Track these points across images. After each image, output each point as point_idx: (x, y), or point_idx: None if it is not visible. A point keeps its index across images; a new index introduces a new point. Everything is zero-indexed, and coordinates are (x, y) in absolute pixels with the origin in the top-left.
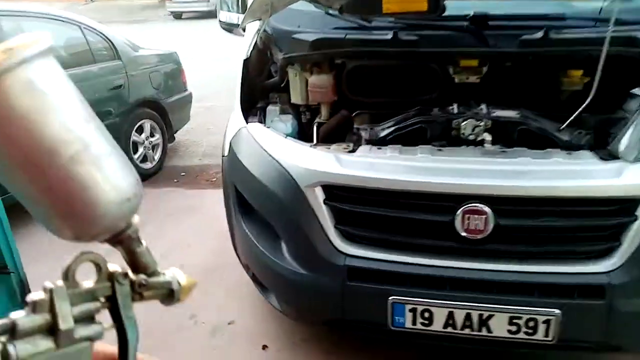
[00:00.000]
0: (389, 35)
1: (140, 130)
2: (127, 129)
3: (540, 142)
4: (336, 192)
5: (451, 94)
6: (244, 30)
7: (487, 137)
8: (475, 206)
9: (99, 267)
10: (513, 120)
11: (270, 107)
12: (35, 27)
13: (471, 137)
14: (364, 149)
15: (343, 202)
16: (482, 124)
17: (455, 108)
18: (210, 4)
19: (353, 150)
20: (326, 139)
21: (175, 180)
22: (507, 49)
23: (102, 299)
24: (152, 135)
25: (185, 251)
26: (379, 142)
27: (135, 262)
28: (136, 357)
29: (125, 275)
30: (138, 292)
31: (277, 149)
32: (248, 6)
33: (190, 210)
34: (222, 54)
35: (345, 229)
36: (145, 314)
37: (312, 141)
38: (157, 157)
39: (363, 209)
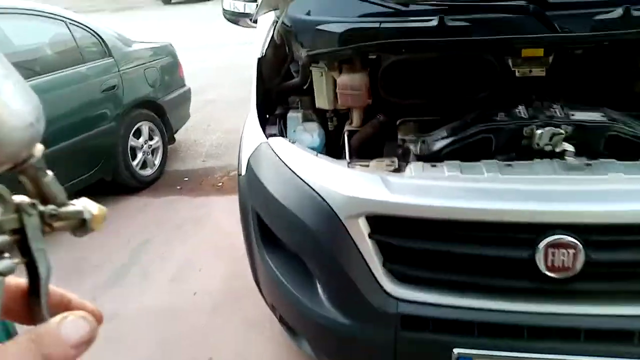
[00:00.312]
0: (434, 22)
1: (137, 133)
2: (125, 133)
3: (621, 149)
4: (385, 224)
5: (511, 92)
6: (254, 22)
7: (569, 147)
8: (561, 238)
9: (4, 198)
10: (601, 125)
11: (291, 114)
12: (14, 25)
13: (547, 148)
14: (415, 167)
15: (393, 236)
16: (562, 130)
17: (522, 110)
18: None
19: (399, 169)
20: (360, 151)
21: (178, 187)
22: (578, 32)
23: (10, 233)
24: (150, 138)
25: (197, 275)
26: (432, 158)
27: (43, 192)
28: (48, 291)
29: (34, 205)
30: (48, 223)
31: (307, 169)
32: None
33: (198, 223)
34: (217, 40)
35: (397, 269)
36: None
37: (341, 153)
38: (157, 161)
39: (418, 243)
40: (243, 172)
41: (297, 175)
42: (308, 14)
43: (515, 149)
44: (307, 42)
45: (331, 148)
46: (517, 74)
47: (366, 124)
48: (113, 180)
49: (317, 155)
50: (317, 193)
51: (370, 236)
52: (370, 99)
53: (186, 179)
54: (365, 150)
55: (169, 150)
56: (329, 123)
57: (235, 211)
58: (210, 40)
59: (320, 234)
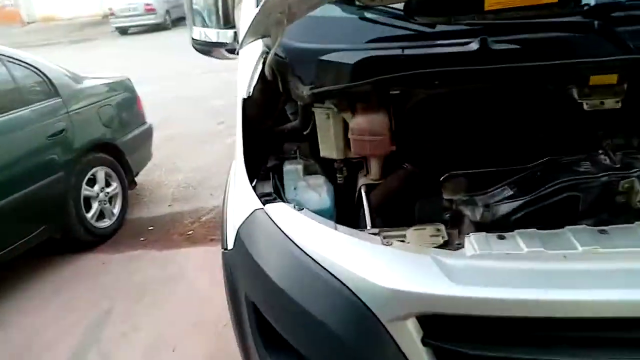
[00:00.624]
0: (474, 45)
1: (92, 181)
2: (76, 183)
3: None
4: (444, 324)
5: (574, 130)
6: (232, 52)
7: None
8: None
9: None
10: None
11: (288, 166)
12: None
13: None
14: (477, 241)
15: (456, 341)
16: None
17: (611, 156)
18: (159, 16)
19: (449, 241)
20: (381, 211)
21: (142, 239)
22: None
23: None
24: (107, 184)
25: (171, 357)
26: (497, 225)
27: None
28: None
29: None
30: None
31: (325, 249)
32: (251, 18)
33: (167, 284)
34: (179, 70)
35: None
36: None
37: (355, 213)
38: (116, 210)
39: (493, 351)
40: (229, 246)
41: (312, 259)
42: (307, 40)
43: (605, 208)
44: (308, 76)
45: (341, 206)
46: (585, 107)
47: (388, 176)
48: (64, 237)
49: (336, 228)
50: (345, 285)
51: (423, 342)
52: (394, 145)
53: (151, 228)
54: (389, 211)
55: (129, 196)
56: (337, 175)
57: (212, 267)
58: (171, 70)
59: (350, 341)
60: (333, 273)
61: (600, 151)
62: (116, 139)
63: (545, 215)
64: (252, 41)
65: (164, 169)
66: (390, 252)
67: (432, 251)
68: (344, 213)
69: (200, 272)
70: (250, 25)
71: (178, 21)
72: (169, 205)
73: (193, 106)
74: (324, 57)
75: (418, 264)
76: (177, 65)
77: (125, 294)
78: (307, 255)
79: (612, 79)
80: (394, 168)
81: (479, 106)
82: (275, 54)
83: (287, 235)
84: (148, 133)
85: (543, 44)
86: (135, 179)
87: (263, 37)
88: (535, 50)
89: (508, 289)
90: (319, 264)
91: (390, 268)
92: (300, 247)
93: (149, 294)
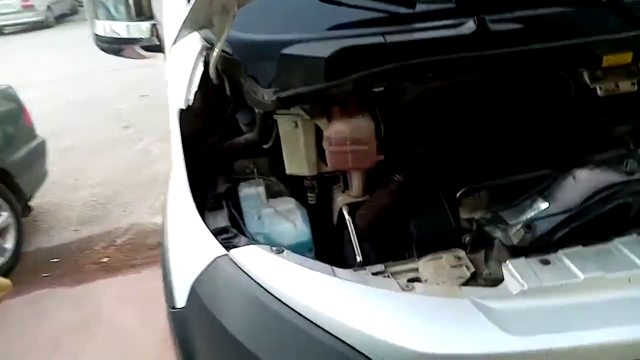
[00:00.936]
0: (470, 26)
1: None
2: None
3: None
4: None
5: (592, 118)
6: (151, 50)
7: None
8: None
9: None
10: None
11: (246, 189)
12: None
13: None
14: (520, 270)
15: None
16: None
17: None
18: (39, 13)
19: (477, 273)
20: (370, 235)
21: (45, 275)
22: None
23: None
24: None
25: None
26: (538, 247)
27: None
28: None
29: None
30: None
31: (327, 307)
32: (183, 4)
33: (83, 330)
34: (72, 71)
35: None
36: None
37: (335, 238)
38: (9, 245)
39: None
40: (180, 304)
41: (311, 322)
42: (260, 30)
43: None
44: (266, 77)
45: (316, 232)
46: (599, 92)
47: (373, 191)
48: None
49: (334, 274)
50: (364, 355)
51: None
52: (380, 154)
53: (56, 260)
54: (379, 234)
55: (24, 225)
56: (308, 195)
57: (136, 298)
58: (60, 71)
59: None
60: (343, 339)
61: (632, 147)
62: (2, 160)
63: (589, 227)
64: (189, 34)
65: (64, 187)
66: (415, 300)
67: (468, 292)
68: (320, 240)
69: (122, 307)
70: (188, 14)
71: (62, 17)
72: (75, 230)
73: (91, 111)
74: (287, 51)
75: (457, 313)
76: (67, 66)
77: (31, 349)
78: (302, 316)
79: (627, 57)
80: (379, 181)
81: (478, 100)
82: (223, 51)
83: (270, 293)
84: (40, 149)
85: (548, 21)
86: (30, 203)
87: (203, 28)
88: (540, 30)
89: (578, 333)
90: (322, 328)
91: (423, 324)
92: (291, 306)
93: (63, 344)
